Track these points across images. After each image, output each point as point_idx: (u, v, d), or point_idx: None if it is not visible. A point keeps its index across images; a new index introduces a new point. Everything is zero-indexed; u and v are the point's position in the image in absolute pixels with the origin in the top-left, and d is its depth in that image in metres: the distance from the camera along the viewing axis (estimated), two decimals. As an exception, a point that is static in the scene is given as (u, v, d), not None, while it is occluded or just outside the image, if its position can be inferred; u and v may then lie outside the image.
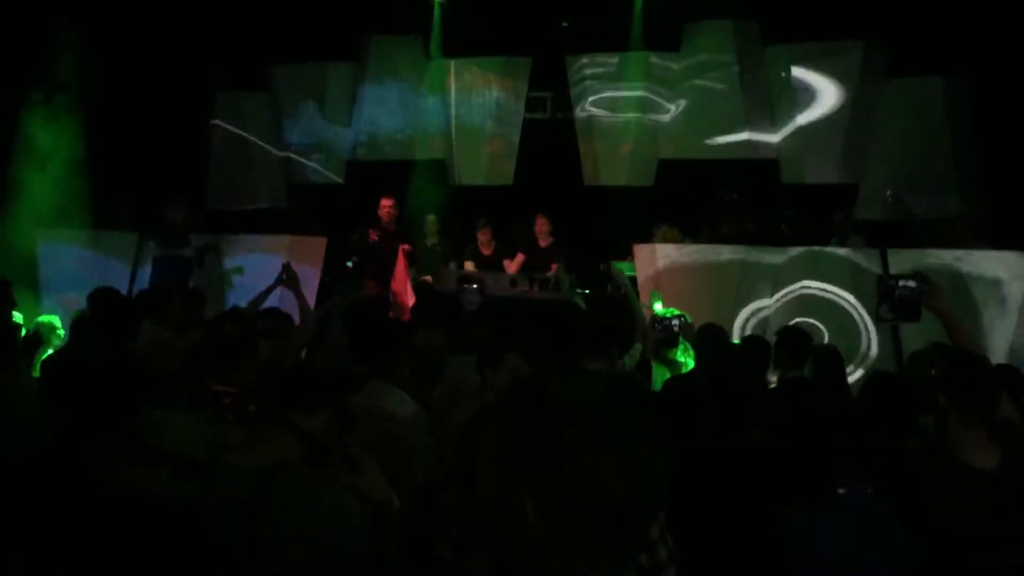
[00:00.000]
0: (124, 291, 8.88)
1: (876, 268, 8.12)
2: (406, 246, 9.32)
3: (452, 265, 9.98)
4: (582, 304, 6.39)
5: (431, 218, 10.37)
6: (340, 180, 12.00)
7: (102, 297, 5.12)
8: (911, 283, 3.88)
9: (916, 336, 6.83)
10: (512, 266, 9.99)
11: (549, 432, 1.19)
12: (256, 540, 2.04)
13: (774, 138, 10.89)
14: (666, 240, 9.42)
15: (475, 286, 7.97)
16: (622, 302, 6.78)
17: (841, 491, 2.55)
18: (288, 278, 5.64)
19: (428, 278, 9.62)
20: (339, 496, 2.21)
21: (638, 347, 5.70)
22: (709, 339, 5.46)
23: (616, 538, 1.17)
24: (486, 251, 10.17)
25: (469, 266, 10.01)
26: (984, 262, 7.96)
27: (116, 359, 2.57)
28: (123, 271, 9.54)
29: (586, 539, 1.16)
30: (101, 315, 4.92)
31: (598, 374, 1.30)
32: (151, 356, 4.28)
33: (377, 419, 3.53)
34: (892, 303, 3.93)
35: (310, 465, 2.22)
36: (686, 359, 5.71)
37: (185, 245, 9.23)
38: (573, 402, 1.21)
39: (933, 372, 3.34)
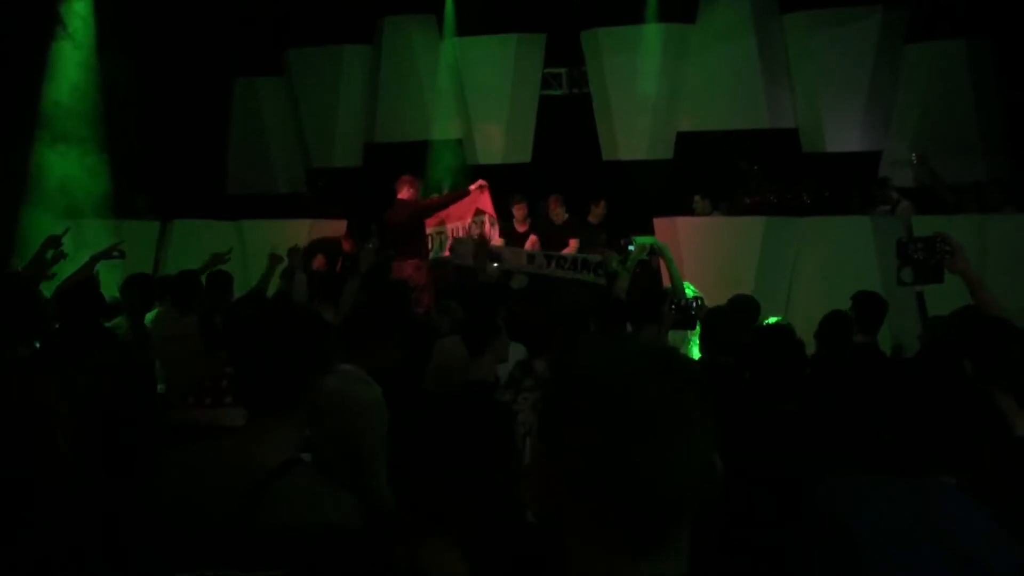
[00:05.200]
0: (148, 279, 8.96)
1: (900, 234, 8.02)
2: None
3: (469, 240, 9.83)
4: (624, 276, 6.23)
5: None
6: (358, 163, 11.99)
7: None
8: (931, 245, 3.77)
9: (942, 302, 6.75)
10: (527, 247, 9.83)
11: (559, 405, 1.14)
12: (250, 537, 1.96)
13: (793, 107, 10.78)
14: (696, 212, 9.38)
15: (494, 263, 7.96)
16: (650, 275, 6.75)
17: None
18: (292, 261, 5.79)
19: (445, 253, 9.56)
20: (347, 504, 2.09)
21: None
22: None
23: (637, 525, 1.09)
24: (521, 228, 9.96)
25: (499, 243, 9.90)
26: (1010, 225, 7.85)
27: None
28: (146, 260, 9.59)
29: (603, 522, 1.09)
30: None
31: (631, 344, 1.18)
32: (167, 343, 4.30)
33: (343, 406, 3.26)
34: (913, 266, 3.83)
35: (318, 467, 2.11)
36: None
37: None
38: (586, 374, 1.13)
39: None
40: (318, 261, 9.47)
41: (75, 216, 9.37)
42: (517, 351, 4.53)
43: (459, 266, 8.98)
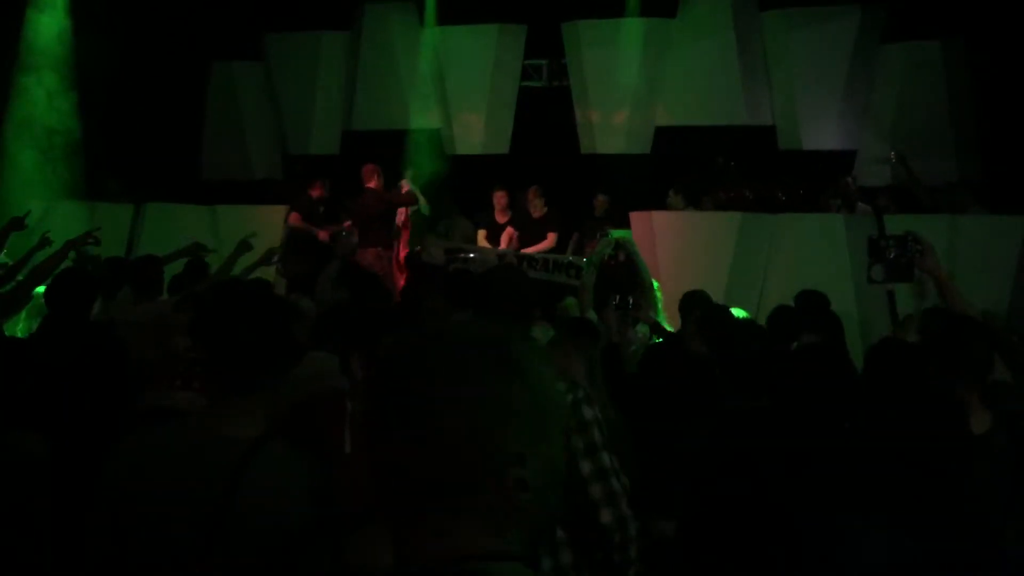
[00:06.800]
0: (121, 263, 8.89)
1: (872, 233, 8.08)
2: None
3: (435, 238, 9.76)
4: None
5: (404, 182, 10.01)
6: (335, 150, 11.94)
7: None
8: (903, 243, 3.82)
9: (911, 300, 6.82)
10: (504, 240, 9.87)
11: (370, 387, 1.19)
12: (233, 511, 1.98)
13: (771, 104, 10.85)
14: (671, 207, 9.42)
15: (469, 255, 8.00)
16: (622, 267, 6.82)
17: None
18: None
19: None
20: (318, 475, 2.11)
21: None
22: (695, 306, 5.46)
23: (436, 504, 1.10)
24: (502, 219, 9.96)
25: (482, 235, 9.89)
26: (980, 226, 7.93)
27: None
28: (119, 243, 9.50)
29: (411, 501, 1.12)
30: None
31: (449, 331, 1.20)
32: (123, 328, 4.29)
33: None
34: (884, 264, 3.88)
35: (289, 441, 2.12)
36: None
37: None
38: (389, 359, 1.18)
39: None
40: (316, 191, 9.75)
41: (51, 160, 9.33)
42: None
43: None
